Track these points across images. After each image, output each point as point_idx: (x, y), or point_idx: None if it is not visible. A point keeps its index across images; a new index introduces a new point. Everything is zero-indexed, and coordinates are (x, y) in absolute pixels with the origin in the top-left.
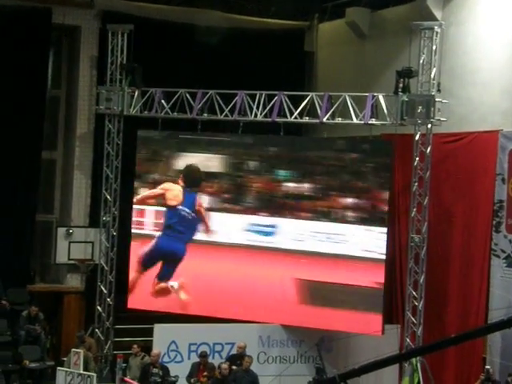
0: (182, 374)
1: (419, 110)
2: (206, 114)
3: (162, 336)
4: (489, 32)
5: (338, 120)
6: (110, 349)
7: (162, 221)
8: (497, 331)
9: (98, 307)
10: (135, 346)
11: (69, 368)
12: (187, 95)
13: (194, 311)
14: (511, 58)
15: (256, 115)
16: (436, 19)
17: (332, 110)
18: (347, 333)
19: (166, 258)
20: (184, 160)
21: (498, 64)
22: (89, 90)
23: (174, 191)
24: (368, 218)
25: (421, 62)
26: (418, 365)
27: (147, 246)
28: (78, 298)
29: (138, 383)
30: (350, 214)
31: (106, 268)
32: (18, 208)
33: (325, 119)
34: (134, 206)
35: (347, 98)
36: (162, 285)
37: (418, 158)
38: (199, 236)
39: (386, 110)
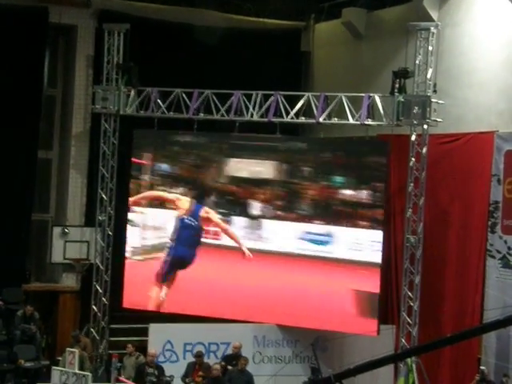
0: (178, 373)
1: (415, 111)
2: (202, 114)
3: (158, 336)
4: (485, 33)
5: (335, 120)
6: (105, 348)
7: (211, 228)
8: (493, 331)
9: (94, 307)
10: (129, 345)
11: (64, 367)
12: (183, 95)
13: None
14: (507, 58)
15: (252, 115)
16: (432, 20)
17: (328, 110)
18: (342, 333)
19: (178, 264)
20: (234, 166)
21: (494, 65)
22: (85, 90)
23: (183, 201)
24: None
25: (417, 62)
26: (413, 365)
27: (163, 258)
28: (74, 298)
29: (133, 383)
30: None
31: (101, 267)
32: (14, 207)
33: (321, 119)
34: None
35: (343, 99)
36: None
37: (413, 159)
38: (251, 243)
39: (382, 111)
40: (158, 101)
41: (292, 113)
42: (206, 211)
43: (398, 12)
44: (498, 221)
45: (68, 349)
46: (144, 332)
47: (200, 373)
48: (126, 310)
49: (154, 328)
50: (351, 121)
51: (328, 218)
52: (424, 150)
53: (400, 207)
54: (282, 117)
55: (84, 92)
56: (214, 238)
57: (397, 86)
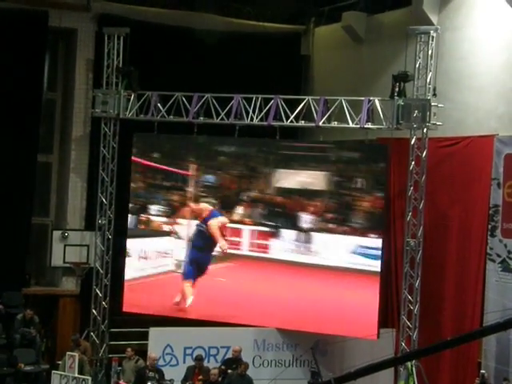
0: (177, 377)
1: (415, 114)
2: (202, 118)
3: (158, 339)
4: (485, 37)
5: (334, 124)
6: (105, 352)
7: (260, 240)
8: (493, 334)
9: (94, 310)
10: (129, 349)
11: (64, 371)
12: (183, 99)
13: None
14: (507, 62)
15: (252, 119)
16: (432, 24)
17: (328, 113)
18: (342, 336)
19: (196, 266)
20: (284, 177)
21: (494, 69)
22: (85, 93)
23: (204, 209)
24: None
25: (417, 66)
26: (414, 369)
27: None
28: (74, 301)
29: None
30: None
31: (101, 271)
32: (14, 211)
33: (321, 123)
34: (230, 225)
35: (343, 102)
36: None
37: (413, 162)
38: (300, 257)
39: (381, 114)
40: (158, 105)
41: (292, 117)
42: (220, 221)
43: (397, 16)
44: (497, 224)
45: (68, 353)
46: (144, 336)
47: (200, 377)
48: (126, 314)
49: (154, 332)
50: (351, 124)
51: (381, 231)
52: (424, 153)
53: (400, 211)
54: (282, 120)
55: (84, 96)
56: (260, 252)
57: (396, 89)
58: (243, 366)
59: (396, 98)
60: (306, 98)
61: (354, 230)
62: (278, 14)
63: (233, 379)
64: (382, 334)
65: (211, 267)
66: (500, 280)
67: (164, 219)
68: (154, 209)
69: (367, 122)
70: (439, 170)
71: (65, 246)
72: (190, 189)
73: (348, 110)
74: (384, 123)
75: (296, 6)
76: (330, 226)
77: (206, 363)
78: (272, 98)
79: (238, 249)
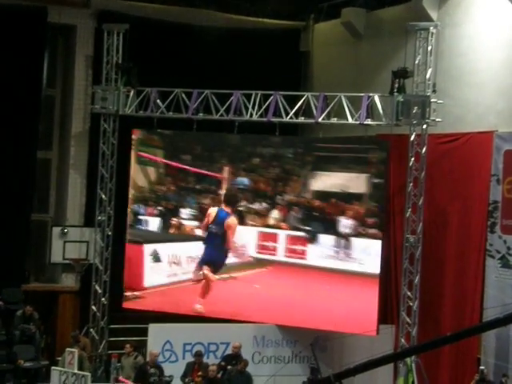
0: (177, 373)
1: (414, 111)
2: (201, 114)
3: (157, 336)
4: (484, 33)
5: (334, 120)
6: (105, 348)
7: (294, 246)
8: (493, 329)
9: (93, 307)
10: (128, 345)
11: (63, 367)
12: (183, 95)
13: None
14: (506, 58)
15: (251, 115)
16: (432, 20)
17: (327, 110)
18: (342, 333)
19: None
20: (321, 180)
21: (494, 65)
22: (84, 90)
23: (212, 212)
24: None
25: (416, 62)
26: (413, 365)
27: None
28: (73, 298)
29: (133, 383)
30: None
31: (100, 268)
32: (13, 207)
33: (320, 119)
34: (265, 230)
35: (343, 98)
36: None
37: (413, 159)
38: (339, 263)
39: (381, 111)
40: (158, 101)
41: (291, 113)
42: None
43: (397, 12)
44: (497, 220)
45: (67, 349)
46: (143, 332)
47: (199, 373)
48: (126, 310)
49: (154, 328)
50: (350, 121)
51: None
52: (423, 149)
53: (399, 207)
54: (282, 117)
55: (83, 92)
56: (297, 258)
57: (396, 85)
58: (243, 362)
59: (395, 94)
60: (306, 94)
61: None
62: (277, 10)
63: (232, 375)
64: (381, 330)
65: (245, 273)
66: (499, 276)
67: (196, 223)
68: (185, 212)
69: (367, 118)
70: (439, 166)
71: (64, 242)
72: (223, 192)
73: (347, 107)
74: (383, 119)
75: (295, 3)
76: (371, 231)
77: (205, 359)
78: (271, 94)
79: (274, 254)
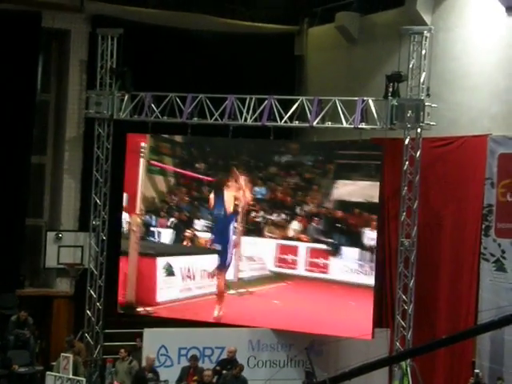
0: (172, 378)
1: (409, 115)
2: (195, 118)
3: (152, 340)
4: (478, 37)
5: (328, 124)
6: (100, 353)
7: (316, 259)
8: (488, 332)
9: (88, 311)
10: (122, 350)
11: (58, 373)
12: (177, 99)
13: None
14: (500, 62)
15: (246, 119)
16: (425, 24)
17: (322, 114)
18: (337, 337)
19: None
20: (343, 188)
21: (487, 68)
22: (78, 94)
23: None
24: None
25: (410, 66)
26: (408, 369)
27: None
28: (68, 303)
29: None
30: None
31: (95, 272)
32: (8, 212)
33: (315, 123)
34: (284, 242)
35: (337, 102)
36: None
37: (407, 162)
38: (362, 278)
39: (375, 115)
40: (152, 105)
41: (286, 117)
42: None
43: (391, 16)
44: (491, 224)
45: (62, 354)
46: (138, 337)
47: (195, 377)
48: (121, 315)
49: (149, 333)
50: (345, 124)
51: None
52: (418, 153)
53: (394, 211)
54: (276, 121)
55: (77, 97)
56: (319, 272)
57: (390, 89)
58: (238, 367)
59: (390, 98)
60: (300, 98)
61: None
62: (271, 14)
63: (227, 380)
64: (376, 333)
65: (262, 288)
66: (494, 280)
67: (211, 235)
68: (199, 224)
69: (361, 122)
70: (433, 169)
71: (59, 247)
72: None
73: (342, 110)
74: (378, 123)
75: (289, 7)
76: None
77: (200, 364)
78: (266, 99)
79: (294, 268)
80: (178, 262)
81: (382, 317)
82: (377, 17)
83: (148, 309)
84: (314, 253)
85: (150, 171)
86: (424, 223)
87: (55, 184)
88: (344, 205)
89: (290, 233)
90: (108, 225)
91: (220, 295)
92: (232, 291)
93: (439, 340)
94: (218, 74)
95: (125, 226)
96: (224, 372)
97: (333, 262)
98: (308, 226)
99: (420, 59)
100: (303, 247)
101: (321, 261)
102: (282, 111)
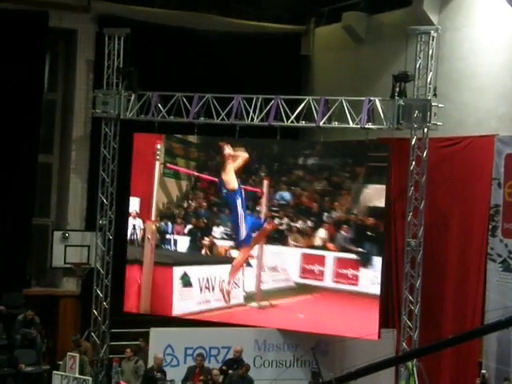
0: (178, 378)
1: (415, 115)
2: (202, 118)
3: (158, 340)
4: (485, 37)
5: (335, 124)
6: (106, 353)
7: (344, 270)
8: (495, 332)
9: (94, 311)
10: (128, 350)
11: (64, 372)
12: (184, 99)
13: None
14: (507, 62)
15: (252, 119)
16: (432, 24)
17: (328, 114)
18: (343, 337)
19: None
20: (374, 193)
21: (494, 69)
22: (85, 94)
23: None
24: None
25: (417, 66)
26: (414, 369)
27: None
28: (74, 302)
29: None
30: None
31: (101, 272)
32: (14, 212)
33: (321, 123)
34: (310, 251)
35: (344, 102)
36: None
37: (414, 163)
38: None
39: (382, 114)
40: (159, 105)
41: (292, 117)
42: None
43: (398, 16)
44: (498, 224)
45: (69, 353)
46: (145, 336)
47: (201, 377)
48: (127, 315)
49: (155, 332)
50: (351, 124)
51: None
52: (424, 153)
53: (401, 211)
54: (283, 121)
55: (84, 96)
56: (349, 284)
57: (397, 89)
58: (244, 367)
59: (396, 98)
60: (307, 98)
61: None
62: (278, 14)
63: (233, 380)
64: (382, 334)
65: (286, 301)
66: (501, 280)
67: (230, 243)
68: (218, 231)
69: (368, 122)
70: (440, 170)
71: (65, 246)
72: (262, 208)
73: (348, 110)
74: (384, 123)
75: (296, 7)
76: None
77: (206, 363)
78: (272, 99)
79: (320, 279)
80: (196, 272)
81: (389, 317)
82: (384, 17)
83: None
84: (343, 263)
85: (165, 174)
86: (430, 223)
87: (62, 183)
88: (375, 211)
89: (317, 241)
90: (114, 224)
91: (235, 268)
92: (253, 303)
93: (445, 340)
94: (225, 73)
95: (138, 233)
96: (230, 372)
97: (362, 272)
98: (335, 234)
99: (427, 59)
100: (330, 257)
101: (350, 272)
102: (288, 111)
